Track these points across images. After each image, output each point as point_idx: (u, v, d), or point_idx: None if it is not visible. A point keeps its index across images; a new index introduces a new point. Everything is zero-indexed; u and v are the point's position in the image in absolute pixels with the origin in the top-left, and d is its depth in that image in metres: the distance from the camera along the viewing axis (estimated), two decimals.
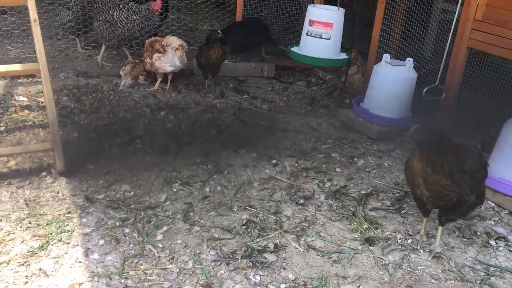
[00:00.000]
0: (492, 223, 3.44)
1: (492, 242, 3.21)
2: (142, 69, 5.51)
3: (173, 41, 5.33)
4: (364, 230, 3.21)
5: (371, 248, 3.06)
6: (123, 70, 5.55)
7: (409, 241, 3.15)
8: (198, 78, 5.89)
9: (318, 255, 2.97)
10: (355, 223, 3.28)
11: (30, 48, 5.94)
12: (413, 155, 2.77)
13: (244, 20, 6.18)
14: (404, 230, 3.27)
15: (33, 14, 3.54)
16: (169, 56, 5.28)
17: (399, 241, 3.15)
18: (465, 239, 3.24)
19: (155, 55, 5.30)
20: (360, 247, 3.06)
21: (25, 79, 5.38)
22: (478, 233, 3.31)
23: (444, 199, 2.78)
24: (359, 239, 3.14)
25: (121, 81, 5.46)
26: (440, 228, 3.04)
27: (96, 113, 4.70)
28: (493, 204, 3.66)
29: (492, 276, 2.90)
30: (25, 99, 4.86)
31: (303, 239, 3.10)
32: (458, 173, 2.70)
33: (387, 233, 3.23)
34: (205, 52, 5.30)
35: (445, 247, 3.13)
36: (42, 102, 4.75)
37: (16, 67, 3.81)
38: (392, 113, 4.63)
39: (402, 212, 3.48)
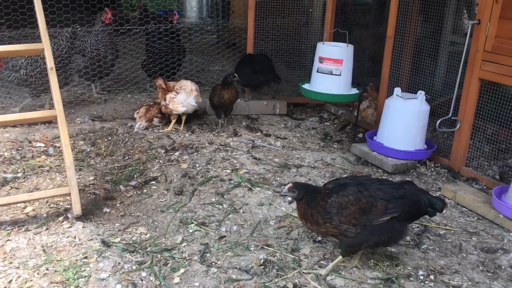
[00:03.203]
0: None
1: None
2: (157, 111, 5.60)
3: (187, 85, 5.43)
4: (385, 267, 3.14)
5: (393, 286, 2.98)
6: (137, 112, 5.64)
7: (432, 277, 3.07)
8: (211, 117, 5.96)
9: None
10: (375, 260, 3.21)
11: (47, 95, 6.09)
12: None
13: (251, 57, 6.27)
14: (425, 266, 3.19)
15: (49, 62, 3.64)
16: (182, 97, 5.37)
17: (421, 277, 3.06)
18: (490, 274, 3.14)
19: (168, 97, 5.40)
20: (381, 285, 2.98)
21: (42, 125, 5.49)
22: (503, 267, 3.21)
23: (329, 234, 3.01)
24: (380, 276, 3.06)
25: (135, 123, 5.55)
26: (338, 258, 3.07)
27: (112, 156, 4.75)
28: None
29: None
30: (42, 144, 4.94)
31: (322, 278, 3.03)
32: (320, 214, 2.91)
33: (409, 269, 3.15)
34: (218, 92, 5.39)
35: (470, 283, 3.04)
36: (58, 147, 4.83)
37: (33, 115, 3.89)
38: (406, 146, 4.61)
39: (423, 247, 3.40)
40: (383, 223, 2.89)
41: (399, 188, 2.99)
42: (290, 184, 3.00)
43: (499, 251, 3.38)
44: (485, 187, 4.24)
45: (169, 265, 3.11)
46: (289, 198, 3.03)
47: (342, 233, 2.93)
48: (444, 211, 3.17)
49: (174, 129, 5.53)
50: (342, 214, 2.88)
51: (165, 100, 5.42)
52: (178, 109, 5.39)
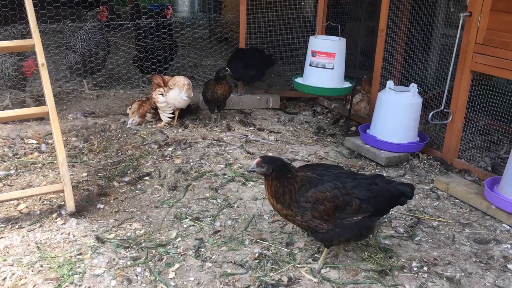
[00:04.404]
0: (509, 246, 3.37)
1: (510, 266, 3.14)
2: (150, 106, 5.58)
3: (180, 80, 5.41)
4: (379, 259, 3.16)
5: (387, 277, 3.00)
6: (130, 108, 5.62)
7: (425, 268, 3.10)
8: (204, 112, 5.95)
9: (333, 287, 2.91)
10: (369, 253, 3.23)
11: (39, 91, 6.05)
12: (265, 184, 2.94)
13: (244, 51, 6.25)
14: (419, 257, 3.21)
15: (40, 58, 3.62)
16: (175, 92, 5.35)
17: (414, 269, 3.09)
18: (483, 264, 3.17)
19: (157, 90, 5.41)
20: (375, 277, 3.00)
21: (34, 121, 5.45)
22: (495, 258, 3.24)
23: (296, 224, 2.97)
24: (374, 268, 3.08)
25: (128, 119, 5.53)
26: (325, 250, 3.05)
27: (105, 152, 4.73)
28: (508, 227, 3.60)
29: None
30: (34, 141, 4.92)
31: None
32: (294, 203, 2.83)
33: (402, 261, 3.17)
34: (212, 87, 5.38)
35: (463, 274, 3.06)
36: (51, 144, 4.81)
37: (25, 111, 3.86)
38: (399, 139, 4.63)
39: (416, 239, 3.43)
40: (354, 221, 2.89)
41: (372, 184, 2.95)
42: (258, 159, 2.87)
43: (492, 242, 3.41)
44: (477, 178, 4.27)
45: (164, 261, 3.11)
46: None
47: (312, 228, 2.89)
48: (415, 194, 3.12)
49: (167, 125, 5.52)
50: (317, 209, 2.82)
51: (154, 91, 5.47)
52: (158, 99, 5.38)
